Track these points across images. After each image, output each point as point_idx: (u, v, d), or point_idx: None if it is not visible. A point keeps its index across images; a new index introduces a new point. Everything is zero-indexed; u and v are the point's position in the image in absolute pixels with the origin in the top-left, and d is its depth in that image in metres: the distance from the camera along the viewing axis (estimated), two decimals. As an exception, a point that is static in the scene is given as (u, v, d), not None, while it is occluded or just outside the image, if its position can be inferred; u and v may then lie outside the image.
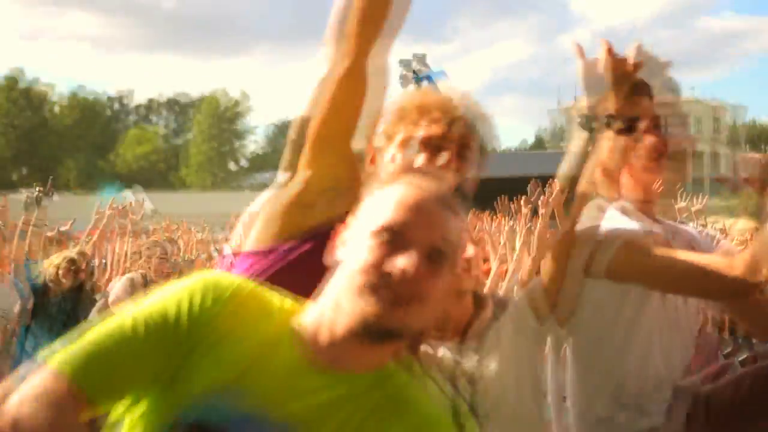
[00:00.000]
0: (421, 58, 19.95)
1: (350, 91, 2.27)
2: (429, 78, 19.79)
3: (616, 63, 2.49)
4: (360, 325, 1.57)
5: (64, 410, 1.51)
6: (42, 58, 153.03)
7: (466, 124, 2.40)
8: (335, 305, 1.63)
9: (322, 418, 1.60)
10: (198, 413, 1.58)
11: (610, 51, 2.51)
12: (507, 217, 7.58)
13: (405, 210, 1.61)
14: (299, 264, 2.17)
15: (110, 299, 6.81)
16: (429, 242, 1.60)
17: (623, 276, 2.69)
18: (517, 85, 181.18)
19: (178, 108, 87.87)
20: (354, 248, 1.64)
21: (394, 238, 1.59)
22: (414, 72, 19.53)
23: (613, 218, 2.83)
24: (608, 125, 2.57)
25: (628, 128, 2.56)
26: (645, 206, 2.85)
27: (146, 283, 6.86)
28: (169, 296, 1.65)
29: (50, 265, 6.60)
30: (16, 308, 6.81)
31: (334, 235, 1.78)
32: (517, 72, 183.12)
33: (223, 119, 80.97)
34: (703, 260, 2.62)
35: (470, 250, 2.61)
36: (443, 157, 2.37)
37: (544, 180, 3.03)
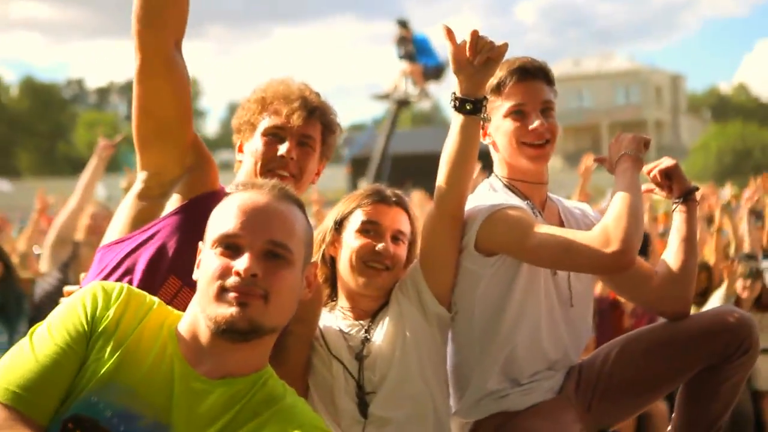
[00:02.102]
0: (405, 23, 19.91)
1: (148, 89, 2.31)
2: (417, 40, 19.73)
3: (456, 49, 2.53)
4: (216, 330, 1.75)
5: (12, 431, 1.61)
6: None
7: (304, 115, 2.55)
8: (198, 314, 1.80)
9: (203, 422, 1.73)
10: (77, 407, 1.70)
11: (451, 37, 2.54)
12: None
13: (235, 219, 1.79)
14: (148, 244, 2.33)
15: None
16: (261, 244, 1.78)
17: (490, 248, 2.70)
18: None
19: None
20: (203, 262, 1.82)
21: (230, 246, 1.78)
22: (402, 38, 19.46)
23: (481, 194, 2.85)
24: (455, 107, 2.59)
25: (474, 110, 2.57)
26: (529, 186, 2.85)
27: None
28: (72, 303, 1.81)
29: None
30: None
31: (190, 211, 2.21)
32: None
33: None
34: (571, 235, 2.63)
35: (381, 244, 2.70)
36: (284, 147, 2.53)
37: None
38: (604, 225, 2.58)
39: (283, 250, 1.79)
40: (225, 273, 1.75)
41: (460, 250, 2.74)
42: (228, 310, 1.72)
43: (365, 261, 2.70)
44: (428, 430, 2.69)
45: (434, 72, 19.65)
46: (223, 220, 1.81)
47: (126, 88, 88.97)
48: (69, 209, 6.34)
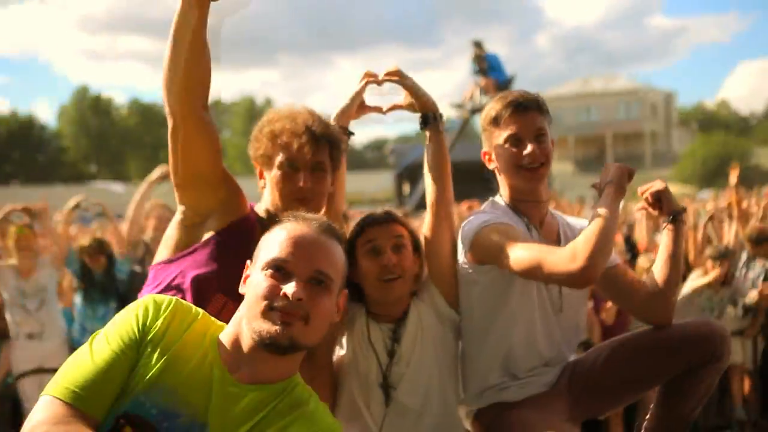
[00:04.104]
0: (480, 43, 19.24)
1: (182, 145, 2.22)
2: (489, 57, 19.08)
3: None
4: (259, 342, 1.70)
5: (70, 426, 1.57)
6: (105, 75, 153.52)
7: (313, 145, 2.41)
8: (242, 327, 1.74)
9: (236, 422, 1.68)
10: (128, 405, 1.65)
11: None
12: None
13: (287, 246, 1.75)
14: (194, 264, 2.31)
15: None
16: (307, 272, 1.73)
17: (480, 258, 2.57)
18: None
19: (218, 111, 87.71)
20: (253, 280, 1.76)
21: (280, 270, 1.73)
22: (477, 56, 18.77)
23: (481, 210, 2.75)
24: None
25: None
26: (528, 205, 2.70)
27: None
28: (127, 314, 1.76)
29: (80, 252, 6.38)
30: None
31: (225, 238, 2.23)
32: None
33: (257, 118, 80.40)
34: (545, 250, 2.42)
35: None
36: (300, 178, 2.41)
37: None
38: (574, 243, 2.40)
39: (326, 279, 1.75)
40: (273, 294, 1.69)
41: (457, 259, 2.64)
42: (273, 327, 1.67)
43: (378, 278, 2.58)
44: (440, 415, 2.64)
45: (503, 86, 18.18)
46: (275, 245, 1.75)
47: (211, 107, 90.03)
48: (128, 220, 6.68)
